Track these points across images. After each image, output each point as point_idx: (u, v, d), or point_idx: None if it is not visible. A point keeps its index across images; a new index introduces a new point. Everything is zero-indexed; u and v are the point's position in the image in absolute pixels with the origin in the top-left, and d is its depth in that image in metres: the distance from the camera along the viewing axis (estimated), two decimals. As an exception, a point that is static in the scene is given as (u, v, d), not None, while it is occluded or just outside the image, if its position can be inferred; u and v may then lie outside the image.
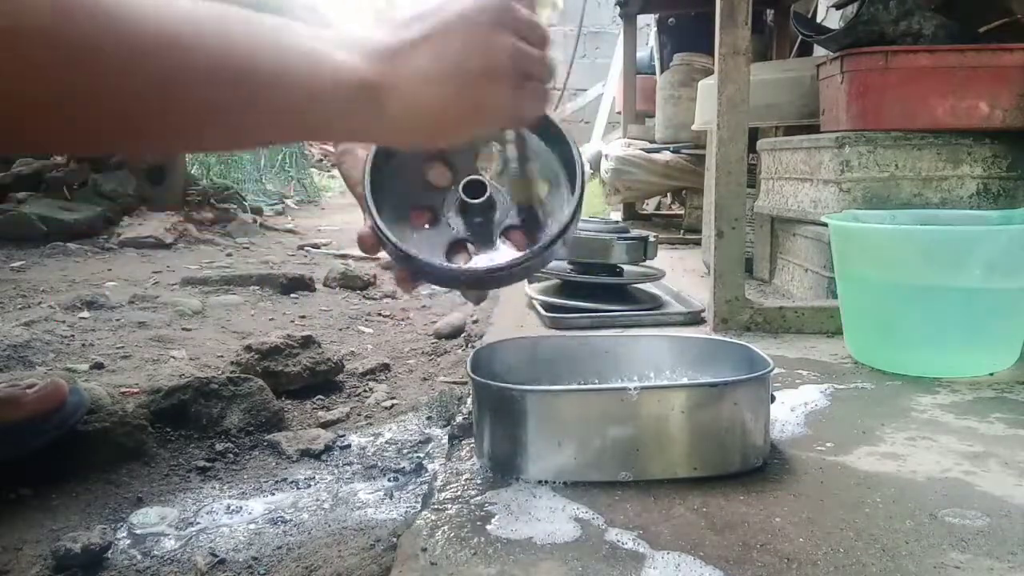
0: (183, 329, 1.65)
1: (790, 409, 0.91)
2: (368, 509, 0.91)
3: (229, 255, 2.87)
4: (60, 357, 1.38)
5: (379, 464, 1.04)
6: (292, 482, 0.98)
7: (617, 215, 3.17)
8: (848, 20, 1.55)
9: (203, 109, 0.41)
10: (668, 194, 3.42)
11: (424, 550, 0.60)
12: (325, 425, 1.19)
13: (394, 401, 1.30)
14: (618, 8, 3.30)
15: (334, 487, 0.97)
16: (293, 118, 0.45)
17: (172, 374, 1.21)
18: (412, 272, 0.65)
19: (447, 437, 1.03)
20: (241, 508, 0.90)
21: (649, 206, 3.75)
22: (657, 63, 3.28)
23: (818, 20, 2.28)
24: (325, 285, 2.26)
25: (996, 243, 1.00)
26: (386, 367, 1.48)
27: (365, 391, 1.35)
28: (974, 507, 0.66)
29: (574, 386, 0.87)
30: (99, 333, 1.57)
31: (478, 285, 0.68)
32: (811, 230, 1.50)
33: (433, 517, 0.66)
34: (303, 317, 1.87)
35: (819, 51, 2.01)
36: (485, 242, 0.67)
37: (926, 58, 1.35)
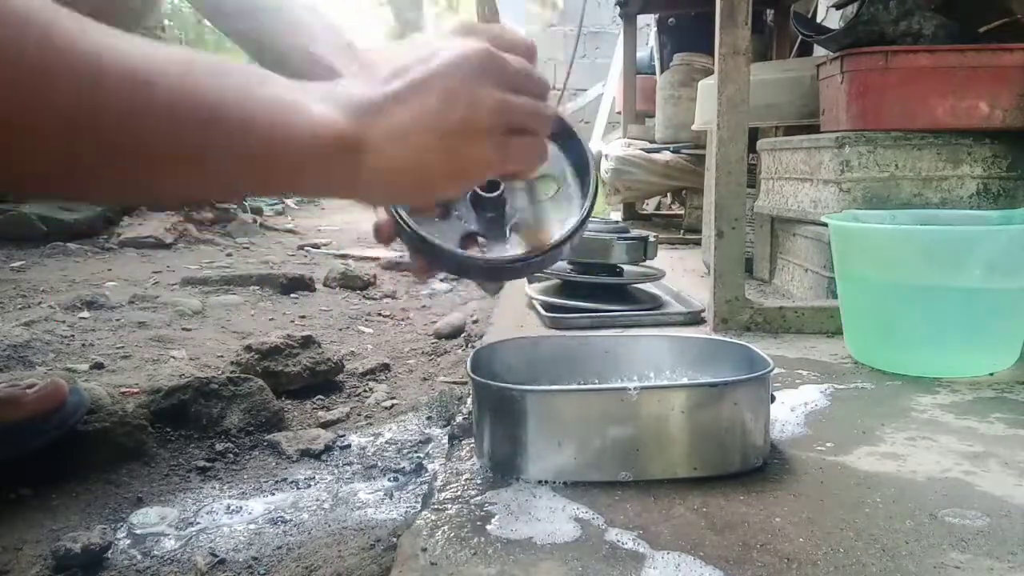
0: (183, 329, 1.65)
1: (790, 409, 0.91)
2: (368, 509, 0.91)
3: (229, 255, 2.87)
4: (60, 357, 1.38)
5: (379, 464, 1.04)
6: (292, 482, 0.98)
7: (617, 215, 3.18)
8: (848, 20, 1.55)
9: (162, 152, 0.39)
10: (668, 194, 3.42)
11: (424, 550, 0.60)
12: (325, 425, 1.19)
13: (394, 401, 1.30)
14: (618, 8, 3.30)
15: (334, 487, 0.97)
16: (263, 168, 0.43)
17: (172, 374, 1.21)
18: (429, 261, 0.66)
19: (447, 437, 1.03)
20: (241, 508, 0.90)
21: (649, 206, 3.75)
22: (657, 63, 3.28)
23: (818, 20, 2.28)
24: (325, 285, 2.26)
25: (996, 243, 1.00)
26: (386, 367, 1.48)
27: (365, 391, 1.35)
28: (974, 507, 0.66)
29: (574, 386, 0.87)
30: (99, 333, 1.57)
31: (496, 275, 0.68)
32: (811, 230, 1.50)
33: (433, 517, 0.66)
34: (303, 317, 1.87)
35: (819, 51, 2.01)
36: (497, 236, 0.67)
37: (926, 58, 1.35)
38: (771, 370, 0.75)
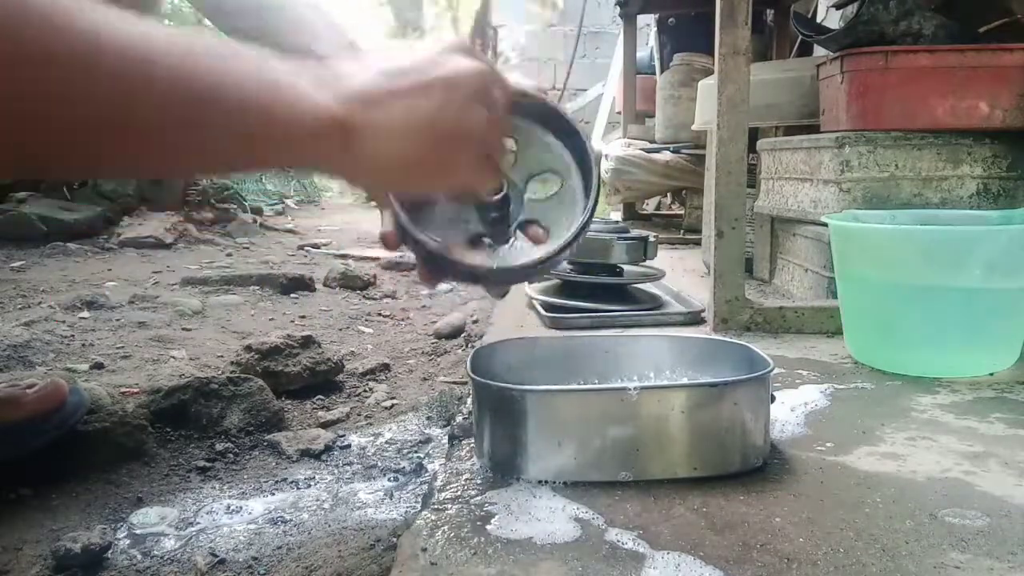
0: (183, 329, 1.65)
1: (790, 409, 0.91)
2: (368, 509, 0.91)
3: (229, 255, 2.87)
4: (60, 357, 1.38)
5: (379, 464, 1.04)
6: (292, 482, 0.98)
7: (617, 215, 3.18)
8: (848, 20, 1.55)
9: (159, 130, 0.40)
10: (668, 194, 3.42)
11: (424, 550, 0.60)
12: (325, 425, 1.19)
13: (394, 401, 1.30)
14: (618, 8, 3.30)
15: (334, 487, 0.97)
16: (257, 147, 0.45)
17: (172, 374, 1.21)
18: (436, 269, 0.66)
19: (447, 437, 1.03)
20: (241, 508, 0.90)
21: (649, 206, 3.75)
22: (657, 63, 3.28)
23: (818, 20, 2.28)
24: (325, 285, 2.26)
25: (996, 243, 1.00)
26: (386, 367, 1.48)
27: (365, 391, 1.35)
28: (974, 507, 0.66)
29: (574, 386, 0.87)
30: (99, 333, 1.57)
31: (501, 281, 0.69)
32: (811, 230, 1.50)
33: (433, 517, 0.66)
34: (303, 317, 1.87)
35: (819, 51, 2.01)
36: (501, 237, 0.68)
37: (926, 58, 1.35)
38: (771, 370, 0.75)
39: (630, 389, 0.70)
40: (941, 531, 0.62)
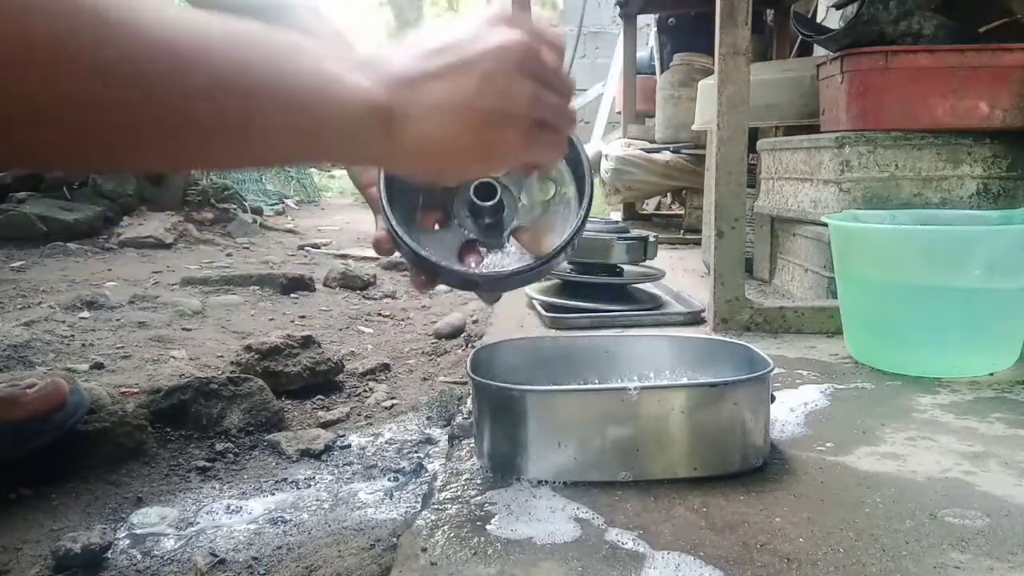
0: (183, 329, 1.65)
1: (790, 409, 0.91)
2: (368, 509, 0.91)
3: (229, 255, 2.87)
4: (60, 357, 1.38)
5: (379, 464, 1.04)
6: (292, 482, 0.98)
7: (617, 215, 3.17)
8: (848, 20, 1.55)
9: (208, 123, 0.40)
10: (668, 194, 3.42)
11: (424, 550, 0.60)
12: (325, 425, 1.19)
13: (394, 401, 1.30)
14: (618, 8, 3.30)
15: (334, 487, 0.97)
16: (302, 138, 0.45)
17: (172, 374, 1.21)
18: (429, 274, 0.66)
19: (447, 437, 1.03)
20: (241, 508, 0.90)
21: (649, 206, 3.75)
22: (657, 63, 3.28)
23: (818, 20, 2.28)
24: (325, 285, 2.26)
25: (996, 243, 1.00)
26: (386, 367, 1.48)
27: (365, 391, 1.35)
28: (974, 507, 0.66)
29: (574, 386, 0.87)
30: (99, 333, 1.57)
31: (495, 287, 0.69)
32: (811, 230, 1.50)
33: (433, 517, 0.66)
34: (303, 317, 1.87)
35: (819, 51, 2.01)
36: (495, 243, 0.68)
37: (926, 58, 1.35)
38: (771, 370, 0.75)
39: (630, 389, 0.70)
40: (941, 531, 0.62)
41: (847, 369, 1.09)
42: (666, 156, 2.76)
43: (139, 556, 0.80)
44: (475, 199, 0.66)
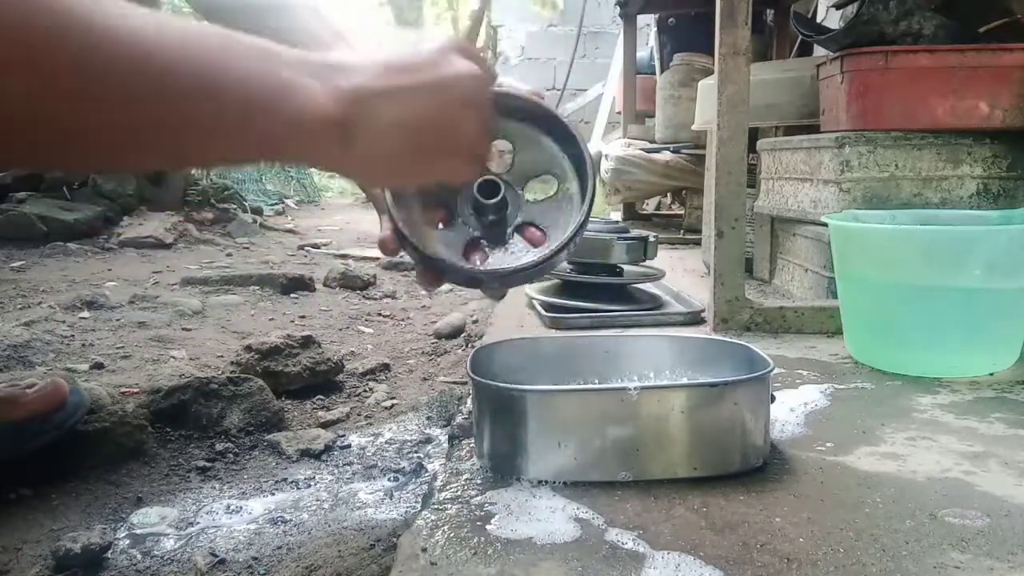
0: (183, 329, 1.65)
1: (790, 409, 0.91)
2: (368, 509, 0.91)
3: (229, 255, 2.87)
4: (60, 357, 1.38)
5: (379, 464, 1.04)
6: (292, 482, 0.98)
7: (617, 215, 3.17)
8: (848, 20, 1.55)
9: (167, 123, 0.41)
10: (668, 194, 3.42)
11: (424, 550, 0.60)
12: (325, 425, 1.19)
13: (394, 401, 1.30)
14: (618, 8, 3.30)
15: (334, 487, 0.97)
16: (257, 142, 0.46)
17: (172, 374, 1.21)
18: (435, 273, 0.66)
19: (447, 437, 1.03)
20: (241, 508, 0.90)
21: (649, 206, 3.75)
22: (657, 63, 3.28)
23: (818, 20, 2.28)
24: (325, 285, 2.26)
25: (996, 243, 1.00)
26: (386, 367, 1.48)
27: (365, 391, 1.35)
28: (974, 507, 0.66)
29: (574, 386, 0.87)
30: (99, 333, 1.57)
31: (500, 284, 0.69)
32: (811, 230, 1.50)
33: (433, 517, 0.66)
34: (303, 317, 1.87)
35: (819, 51, 2.01)
36: (499, 240, 0.68)
37: (926, 58, 1.35)
38: (771, 370, 0.75)
39: (630, 389, 0.70)
40: (941, 531, 0.62)
41: (847, 369, 1.09)
42: (666, 156, 2.76)
43: (139, 556, 0.80)
44: (479, 197, 0.66)
